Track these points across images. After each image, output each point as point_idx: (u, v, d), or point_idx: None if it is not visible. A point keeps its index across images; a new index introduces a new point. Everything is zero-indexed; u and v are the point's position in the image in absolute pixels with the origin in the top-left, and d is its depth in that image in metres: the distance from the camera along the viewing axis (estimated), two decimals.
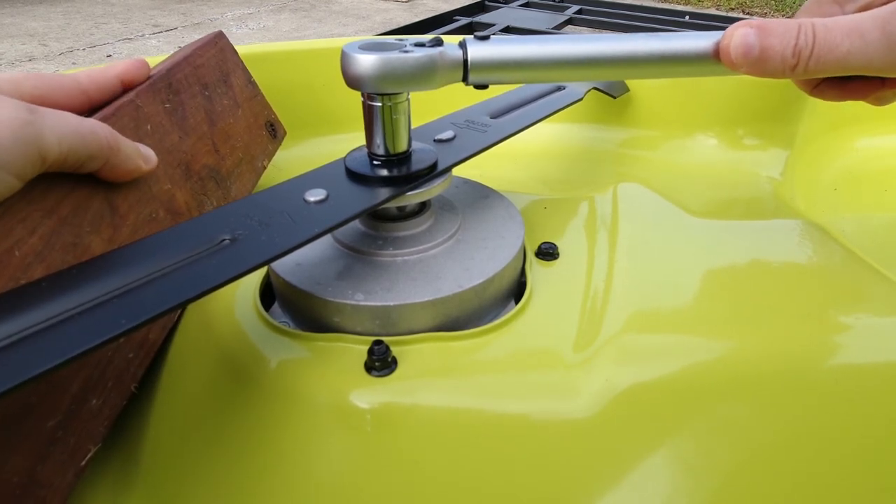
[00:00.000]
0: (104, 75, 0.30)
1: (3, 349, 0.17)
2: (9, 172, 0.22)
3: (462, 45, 0.28)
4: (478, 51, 0.28)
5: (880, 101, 0.34)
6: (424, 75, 0.27)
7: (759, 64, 0.28)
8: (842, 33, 0.27)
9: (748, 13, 4.45)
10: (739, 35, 0.28)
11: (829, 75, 0.29)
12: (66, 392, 0.25)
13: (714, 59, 0.29)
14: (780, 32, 0.28)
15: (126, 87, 0.32)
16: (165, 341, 0.31)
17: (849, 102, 0.35)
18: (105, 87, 0.30)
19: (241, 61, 0.43)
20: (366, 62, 0.26)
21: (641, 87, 0.55)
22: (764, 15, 4.41)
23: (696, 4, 4.62)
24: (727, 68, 0.29)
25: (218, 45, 0.41)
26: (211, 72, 0.39)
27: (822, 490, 0.26)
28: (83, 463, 0.25)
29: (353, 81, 0.27)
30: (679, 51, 0.29)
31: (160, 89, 0.34)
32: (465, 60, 0.28)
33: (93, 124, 0.25)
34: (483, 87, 0.30)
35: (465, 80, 0.29)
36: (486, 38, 0.28)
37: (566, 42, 0.29)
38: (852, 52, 0.27)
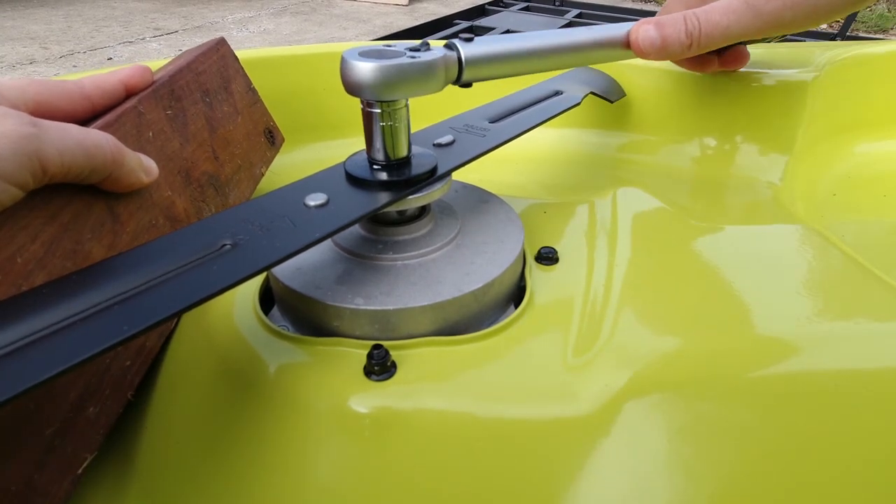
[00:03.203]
0: (108, 81, 0.30)
1: (4, 357, 0.17)
2: (9, 183, 0.22)
3: (451, 46, 0.31)
4: (468, 50, 0.31)
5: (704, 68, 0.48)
6: (426, 80, 0.28)
7: (663, 51, 0.37)
8: (719, 14, 0.36)
9: None
10: (643, 31, 0.37)
11: (716, 48, 0.38)
12: (64, 400, 0.25)
13: (626, 48, 0.37)
14: (672, 23, 0.37)
15: (129, 93, 0.32)
16: (162, 347, 0.31)
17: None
18: (109, 92, 0.30)
19: (242, 68, 0.43)
20: (366, 69, 0.26)
21: (640, 92, 0.55)
22: None
23: None
24: (637, 55, 0.38)
25: (220, 51, 0.41)
26: (212, 78, 0.39)
27: (821, 495, 0.26)
28: (80, 471, 0.25)
29: (352, 88, 0.27)
30: (600, 39, 0.36)
31: (163, 96, 0.34)
32: (460, 60, 0.30)
33: (98, 138, 0.25)
34: (467, 85, 0.32)
35: (457, 80, 0.31)
36: (469, 39, 0.31)
37: (533, 38, 0.35)
38: (731, 25, 0.36)
